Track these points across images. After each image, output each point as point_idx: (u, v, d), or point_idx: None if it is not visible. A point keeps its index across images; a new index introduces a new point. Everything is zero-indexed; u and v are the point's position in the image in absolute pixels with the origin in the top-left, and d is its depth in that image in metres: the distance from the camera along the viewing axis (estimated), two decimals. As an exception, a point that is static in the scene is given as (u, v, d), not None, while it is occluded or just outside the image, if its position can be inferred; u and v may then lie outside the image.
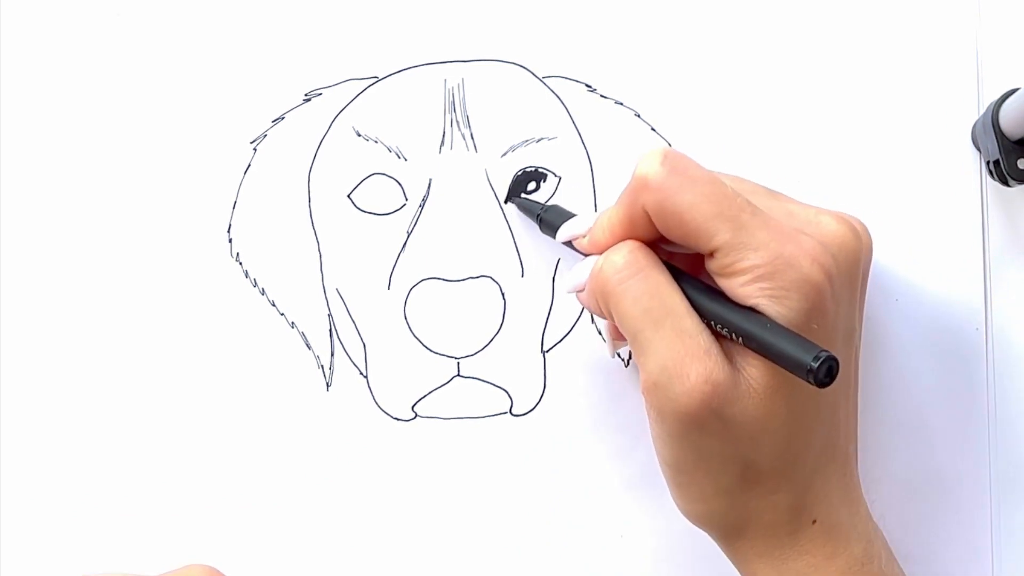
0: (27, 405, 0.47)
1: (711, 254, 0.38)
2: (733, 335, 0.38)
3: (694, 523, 0.41)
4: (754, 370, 0.38)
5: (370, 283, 0.47)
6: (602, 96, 0.47)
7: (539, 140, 0.47)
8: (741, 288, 0.38)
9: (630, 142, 0.47)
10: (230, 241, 0.47)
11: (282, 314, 0.47)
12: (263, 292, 0.47)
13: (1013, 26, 0.47)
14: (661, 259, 0.40)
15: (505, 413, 0.47)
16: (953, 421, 0.46)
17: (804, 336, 0.37)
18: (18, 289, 0.47)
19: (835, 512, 0.40)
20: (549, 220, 0.45)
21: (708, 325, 0.39)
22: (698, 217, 0.38)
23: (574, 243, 0.43)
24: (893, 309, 0.47)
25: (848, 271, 0.40)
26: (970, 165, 0.47)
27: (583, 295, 0.41)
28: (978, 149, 0.47)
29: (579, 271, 0.41)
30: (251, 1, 0.48)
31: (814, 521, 0.40)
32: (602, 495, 0.47)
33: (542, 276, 0.47)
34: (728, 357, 0.38)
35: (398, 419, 0.47)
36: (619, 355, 0.47)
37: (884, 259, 0.47)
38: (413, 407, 0.47)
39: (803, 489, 0.40)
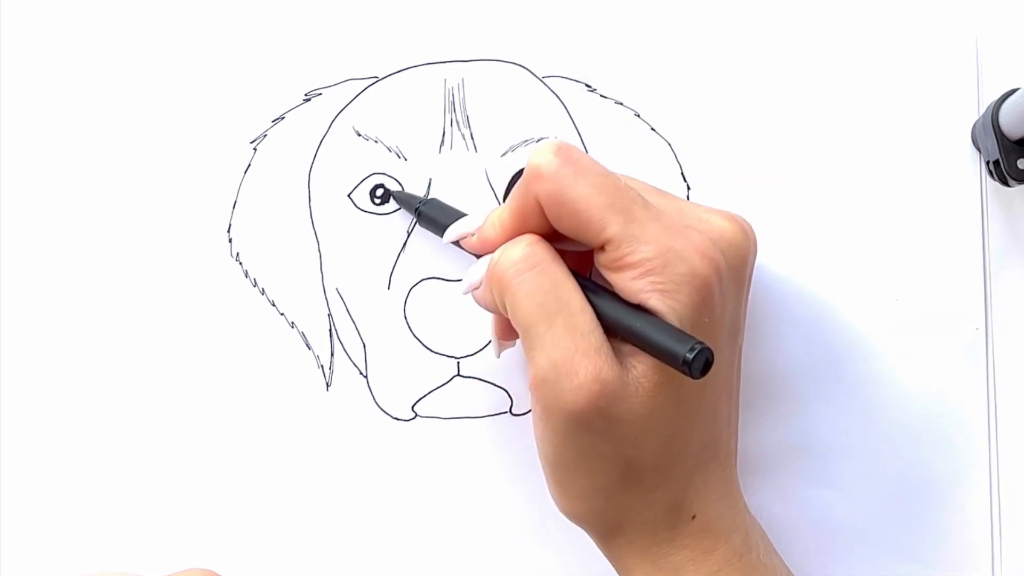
0: (27, 405, 0.47)
1: (602, 247, 0.38)
2: (617, 331, 0.38)
3: (572, 521, 0.41)
4: (643, 367, 0.38)
5: (370, 283, 0.47)
6: (602, 96, 0.47)
7: (539, 140, 0.47)
8: (632, 282, 0.37)
9: (630, 142, 0.47)
10: (230, 241, 0.47)
11: (282, 314, 0.47)
12: (263, 292, 0.47)
13: (1013, 26, 0.47)
14: None
15: (505, 413, 0.47)
16: (953, 421, 0.46)
17: (695, 330, 0.37)
18: (18, 289, 0.47)
19: (714, 507, 0.40)
20: (429, 215, 0.45)
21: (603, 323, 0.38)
22: (591, 208, 0.37)
23: (462, 243, 0.42)
24: (893, 309, 0.47)
25: (736, 268, 0.40)
26: (970, 165, 0.47)
27: (479, 292, 0.41)
28: (978, 149, 0.47)
29: (476, 268, 0.41)
30: (251, 1, 0.48)
31: (693, 517, 0.40)
32: (602, 495, 0.47)
33: (542, 276, 0.47)
34: (618, 356, 0.38)
35: (398, 419, 0.47)
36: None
37: (884, 259, 0.47)
38: (413, 407, 0.47)
39: (683, 486, 0.40)
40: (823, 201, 0.47)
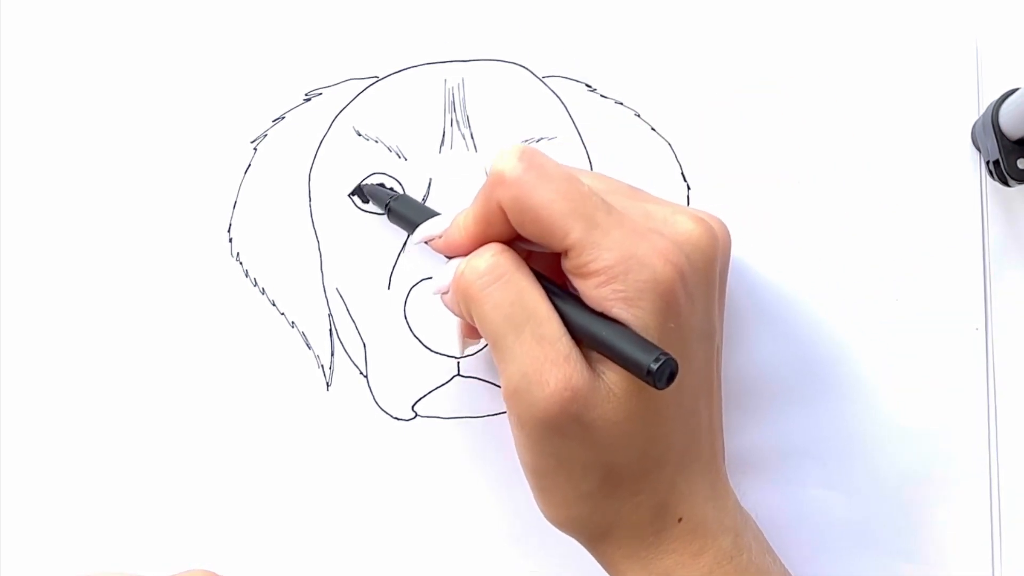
0: (27, 405, 0.47)
1: (565, 253, 0.38)
2: (583, 339, 0.38)
3: (559, 528, 0.41)
4: (613, 374, 0.38)
5: (370, 283, 0.47)
6: (602, 96, 0.47)
7: (539, 140, 0.47)
8: (596, 290, 0.37)
9: (630, 142, 0.47)
10: (230, 241, 0.47)
11: (282, 314, 0.47)
12: (263, 292, 0.47)
13: (1013, 26, 0.47)
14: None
15: (505, 413, 0.47)
16: (953, 421, 0.46)
17: (661, 336, 0.37)
18: (18, 289, 0.47)
19: (700, 509, 0.40)
20: (400, 211, 0.45)
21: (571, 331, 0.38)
22: (553, 214, 0.37)
23: (430, 245, 0.42)
24: (893, 309, 0.47)
25: (703, 270, 0.39)
26: (970, 165, 0.47)
27: (447, 298, 0.41)
28: (978, 149, 0.47)
29: (444, 273, 0.41)
30: (251, 1, 0.48)
31: (679, 519, 0.40)
32: (602, 495, 0.47)
33: (542, 276, 0.47)
34: (588, 362, 0.38)
35: (398, 419, 0.47)
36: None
37: (884, 259, 0.47)
38: (413, 407, 0.47)
39: (666, 489, 0.40)
40: (823, 201, 0.47)
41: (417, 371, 0.47)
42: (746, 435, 0.46)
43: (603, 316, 0.37)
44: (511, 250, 0.39)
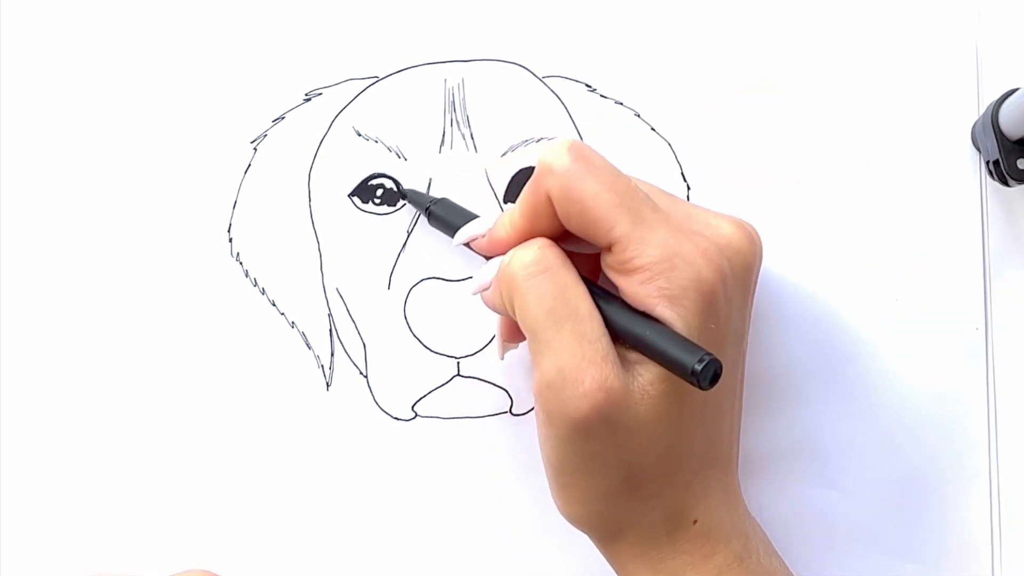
0: (27, 405, 0.47)
1: (609, 248, 0.38)
2: (624, 338, 0.38)
3: (573, 524, 0.41)
4: (649, 375, 0.38)
5: (370, 283, 0.47)
6: (602, 96, 0.47)
7: (539, 140, 0.47)
8: (639, 287, 0.37)
9: (630, 142, 0.47)
10: (230, 241, 0.47)
11: (282, 314, 0.47)
12: (263, 292, 0.47)
13: (1013, 26, 0.47)
14: None
15: (505, 412, 0.47)
16: (953, 421, 0.46)
17: (701, 336, 0.37)
18: (18, 289, 0.47)
19: (714, 512, 0.40)
20: (440, 215, 0.45)
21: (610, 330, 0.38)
22: (600, 205, 0.37)
23: (472, 245, 0.42)
24: (893, 309, 0.47)
25: (741, 274, 0.40)
26: (970, 165, 0.47)
27: (488, 293, 0.41)
28: (978, 149, 0.47)
29: (487, 270, 0.41)
30: (251, 1, 0.48)
31: (695, 522, 0.40)
32: (602, 495, 0.47)
33: (542, 276, 0.47)
34: (624, 363, 0.38)
35: (398, 419, 0.47)
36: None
37: (884, 259, 0.47)
38: (413, 407, 0.47)
39: (684, 492, 0.40)
40: (823, 201, 0.47)
41: (417, 371, 0.47)
42: (746, 435, 0.46)
43: (645, 315, 0.37)
44: (557, 246, 0.39)
